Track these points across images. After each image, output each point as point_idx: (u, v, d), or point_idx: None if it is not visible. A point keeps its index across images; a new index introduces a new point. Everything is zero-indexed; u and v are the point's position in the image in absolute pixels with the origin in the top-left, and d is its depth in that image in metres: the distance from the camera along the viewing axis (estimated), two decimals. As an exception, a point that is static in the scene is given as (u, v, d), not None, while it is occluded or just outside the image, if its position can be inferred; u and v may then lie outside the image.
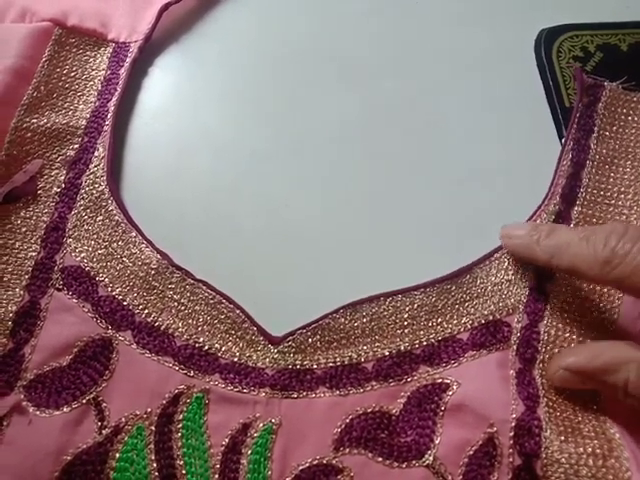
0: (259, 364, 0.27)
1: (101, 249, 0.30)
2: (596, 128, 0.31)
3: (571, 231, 0.26)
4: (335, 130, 0.33)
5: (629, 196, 0.29)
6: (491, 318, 0.28)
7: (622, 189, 0.30)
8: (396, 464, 0.25)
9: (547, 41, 0.34)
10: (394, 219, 0.31)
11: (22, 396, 0.26)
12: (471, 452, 0.25)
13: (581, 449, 0.24)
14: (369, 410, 0.26)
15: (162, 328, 0.28)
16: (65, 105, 0.33)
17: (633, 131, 0.31)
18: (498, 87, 0.34)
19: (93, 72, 0.34)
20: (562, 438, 0.25)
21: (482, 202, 0.31)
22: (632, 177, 0.30)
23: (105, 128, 0.32)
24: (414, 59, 0.35)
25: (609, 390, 0.24)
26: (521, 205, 0.30)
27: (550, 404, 0.26)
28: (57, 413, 0.26)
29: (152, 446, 0.26)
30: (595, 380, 0.24)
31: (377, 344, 0.27)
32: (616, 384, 0.24)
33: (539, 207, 0.30)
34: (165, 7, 0.35)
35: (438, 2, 0.37)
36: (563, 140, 0.32)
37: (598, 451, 0.24)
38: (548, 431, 0.25)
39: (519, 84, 0.34)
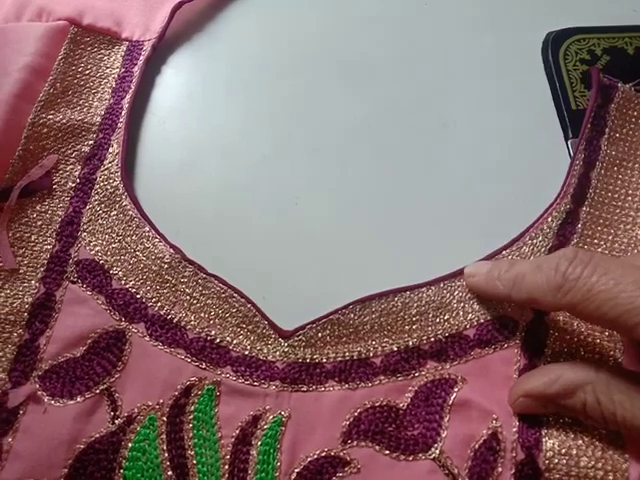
0: (269, 357, 0.28)
1: (115, 243, 0.30)
2: (607, 129, 0.31)
3: (527, 262, 0.26)
4: (343, 130, 0.34)
5: (636, 199, 0.30)
6: (497, 314, 0.28)
7: (629, 192, 0.30)
8: (403, 457, 0.26)
9: (554, 44, 0.34)
10: (402, 217, 0.32)
11: (37, 386, 0.27)
12: (476, 446, 0.26)
13: (580, 441, 0.25)
14: (377, 404, 0.27)
15: (174, 321, 0.28)
16: (80, 102, 0.33)
17: None
18: (505, 90, 0.35)
19: (107, 70, 0.34)
20: (563, 431, 0.25)
21: (489, 202, 0.32)
22: None
23: (119, 125, 0.33)
24: (422, 62, 0.36)
25: (570, 413, 0.25)
26: (527, 205, 0.30)
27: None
28: (71, 403, 0.27)
29: (164, 436, 0.26)
30: (555, 404, 0.25)
31: (386, 339, 0.28)
32: (575, 407, 0.24)
33: (551, 205, 0.30)
34: (178, 6, 0.36)
35: (446, 5, 0.37)
36: (570, 142, 0.32)
37: (597, 442, 0.25)
38: (549, 425, 0.25)
39: (526, 87, 0.34)
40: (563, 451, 0.25)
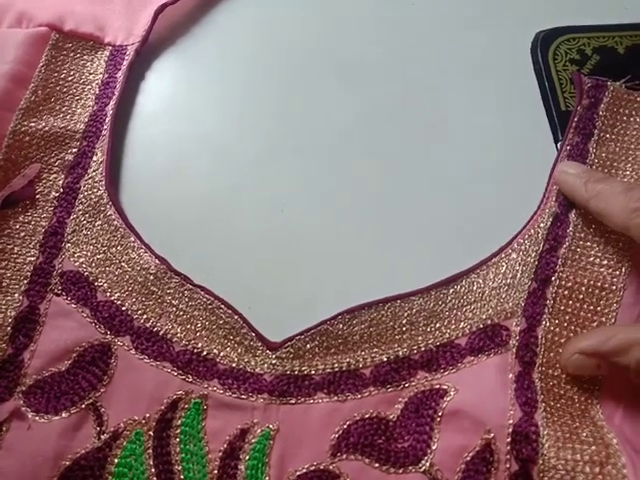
0: (257, 370, 0.27)
1: (100, 254, 0.30)
2: (596, 131, 0.31)
3: (617, 184, 0.27)
4: (332, 134, 0.33)
5: (628, 199, 0.29)
6: (489, 322, 0.28)
7: (621, 192, 0.30)
8: (393, 470, 0.25)
9: (544, 44, 0.34)
10: (392, 223, 0.31)
11: (21, 401, 0.27)
12: (468, 458, 0.25)
13: (578, 456, 0.24)
14: (367, 416, 0.26)
15: (161, 333, 0.28)
16: (63, 109, 0.33)
17: (635, 132, 0.30)
18: (494, 90, 0.34)
19: (91, 76, 0.34)
20: (559, 444, 0.25)
21: (478, 205, 0.31)
22: (632, 180, 0.30)
23: (103, 132, 0.32)
24: (411, 62, 0.35)
25: (622, 372, 0.25)
26: (518, 208, 0.30)
27: (548, 409, 0.26)
28: (56, 418, 0.26)
29: (150, 451, 0.26)
30: (608, 362, 0.25)
31: (375, 350, 0.28)
32: (628, 365, 0.24)
33: (536, 211, 0.30)
34: (161, 9, 0.35)
35: (435, 5, 0.37)
36: (559, 144, 0.32)
37: (595, 458, 0.24)
38: (545, 437, 0.25)
39: (516, 87, 0.34)
40: (559, 466, 0.24)
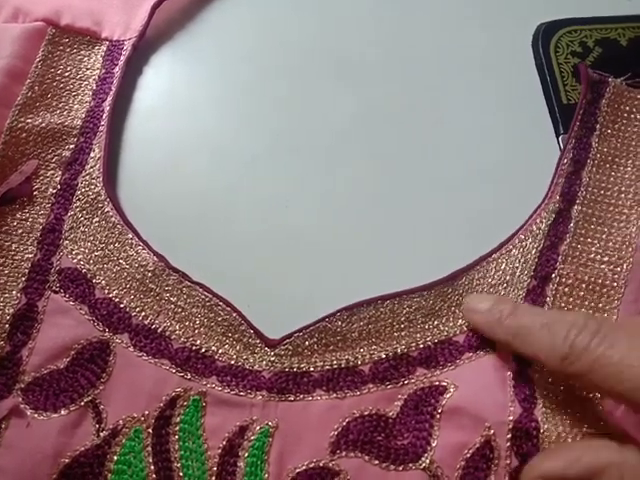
0: (256, 367, 0.27)
1: (97, 251, 0.29)
2: (598, 126, 0.30)
3: (533, 315, 0.25)
4: (331, 132, 0.33)
5: (629, 195, 0.29)
6: (488, 319, 0.27)
7: (622, 188, 0.29)
8: (392, 467, 0.25)
9: (545, 36, 0.33)
10: (391, 220, 0.31)
11: (20, 399, 0.26)
12: (468, 455, 0.25)
13: None
14: (366, 413, 0.26)
15: (159, 331, 0.28)
16: (60, 105, 0.32)
17: (635, 129, 0.30)
18: (495, 84, 0.34)
19: (88, 71, 0.33)
20: (561, 439, 0.25)
21: (480, 201, 0.31)
22: (633, 176, 0.30)
23: (101, 128, 0.32)
24: (411, 55, 0.35)
25: None
26: (519, 204, 0.30)
27: (548, 405, 0.26)
28: (55, 416, 0.26)
29: (149, 449, 0.26)
30: None
31: (374, 347, 0.27)
32: None
33: (539, 206, 0.29)
34: (158, 3, 0.35)
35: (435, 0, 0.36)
36: (561, 138, 0.31)
37: None
38: (546, 432, 0.25)
39: (517, 80, 0.34)
40: None
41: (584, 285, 0.28)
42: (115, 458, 0.26)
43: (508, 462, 0.25)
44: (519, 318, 0.25)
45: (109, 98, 0.33)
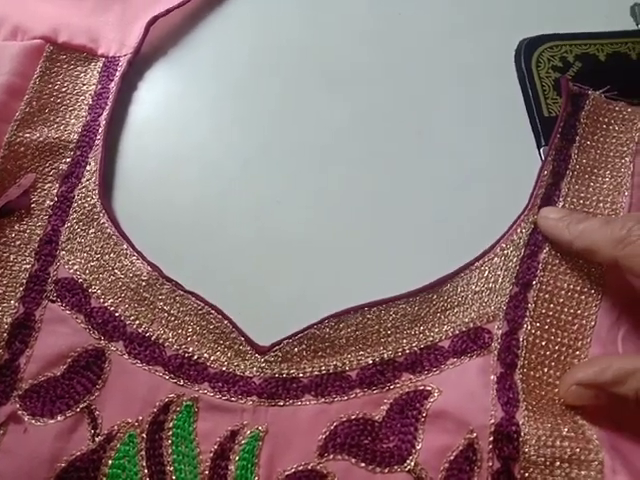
0: (247, 373, 0.28)
1: (93, 261, 0.30)
2: (578, 137, 0.31)
3: (596, 220, 0.28)
4: (323, 143, 0.34)
5: (607, 205, 0.30)
6: (472, 325, 0.28)
7: (601, 198, 0.30)
8: (379, 469, 0.26)
9: (527, 51, 0.35)
10: (378, 231, 0.32)
11: (18, 405, 0.27)
12: (452, 457, 0.26)
13: (558, 452, 0.25)
14: (353, 417, 0.27)
15: (153, 338, 0.29)
16: (57, 120, 0.33)
17: (614, 140, 0.31)
18: (479, 97, 0.35)
19: (84, 87, 0.34)
20: (540, 443, 0.25)
21: (463, 210, 0.32)
22: (611, 187, 0.30)
23: (96, 142, 0.33)
24: (398, 71, 0.36)
25: (621, 401, 0.25)
26: (501, 213, 0.30)
27: (530, 408, 0.26)
28: (52, 422, 0.27)
29: (143, 453, 0.27)
30: (605, 392, 0.25)
31: (361, 353, 0.28)
32: (627, 394, 0.24)
33: (519, 216, 0.30)
34: (153, 20, 0.36)
35: (421, 15, 0.37)
36: (542, 150, 0.32)
37: (575, 452, 0.25)
38: (526, 436, 0.25)
39: (500, 94, 0.35)
40: (539, 461, 0.25)
41: (563, 292, 0.28)
42: (110, 462, 0.26)
43: (490, 464, 0.26)
44: (586, 222, 0.28)
45: (105, 113, 0.34)
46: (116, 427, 0.27)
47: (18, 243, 0.30)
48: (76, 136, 0.33)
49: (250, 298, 0.30)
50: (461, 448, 0.26)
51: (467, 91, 0.35)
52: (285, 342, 0.28)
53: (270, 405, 0.27)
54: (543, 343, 0.28)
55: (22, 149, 0.32)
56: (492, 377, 0.27)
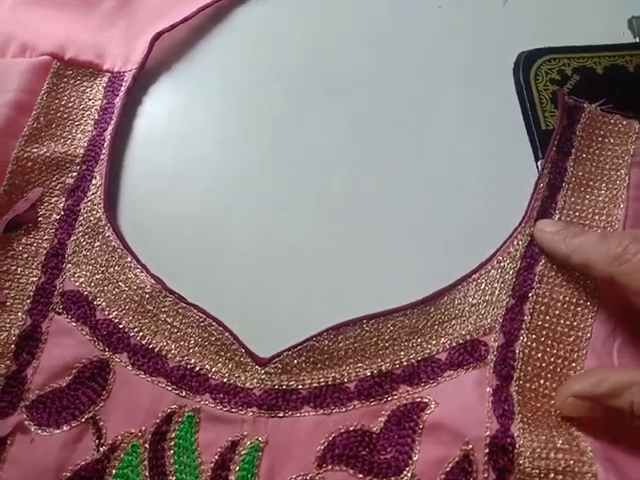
0: (247, 384, 0.29)
1: (98, 274, 0.31)
2: (573, 150, 0.32)
3: (594, 232, 0.29)
4: (324, 152, 0.35)
5: (603, 217, 0.30)
6: (469, 338, 0.29)
7: (596, 210, 0.31)
8: (376, 480, 0.26)
9: (525, 64, 0.35)
10: (378, 237, 0.32)
11: (24, 416, 0.28)
12: (447, 468, 0.26)
13: (552, 463, 0.25)
14: (351, 428, 0.28)
15: (156, 350, 0.29)
16: (64, 134, 0.34)
17: (609, 153, 0.32)
18: (477, 109, 0.35)
19: (90, 102, 0.35)
20: (535, 455, 0.26)
21: (461, 222, 0.32)
22: (607, 199, 0.31)
23: (102, 157, 0.34)
24: (397, 81, 0.36)
25: (616, 414, 0.25)
26: (498, 225, 0.31)
27: (525, 420, 0.27)
28: (57, 432, 0.28)
29: (146, 463, 0.27)
30: (602, 405, 0.25)
31: (359, 365, 0.29)
32: (622, 407, 0.25)
33: (516, 228, 0.30)
34: (157, 36, 0.36)
35: (420, 26, 0.38)
36: (539, 162, 0.33)
37: (569, 465, 0.25)
38: (521, 448, 0.26)
39: (498, 106, 0.35)
40: (534, 473, 0.25)
41: (559, 304, 0.29)
42: (114, 472, 0.27)
43: (486, 476, 0.26)
44: (583, 236, 0.28)
45: (110, 127, 0.34)
46: (120, 437, 0.28)
47: (25, 256, 0.31)
48: (82, 150, 0.34)
49: (251, 310, 0.31)
50: (457, 459, 0.26)
51: (466, 102, 0.35)
52: (285, 354, 0.29)
53: (270, 416, 0.28)
54: (539, 355, 0.28)
55: (30, 164, 0.33)
56: (488, 389, 0.27)
